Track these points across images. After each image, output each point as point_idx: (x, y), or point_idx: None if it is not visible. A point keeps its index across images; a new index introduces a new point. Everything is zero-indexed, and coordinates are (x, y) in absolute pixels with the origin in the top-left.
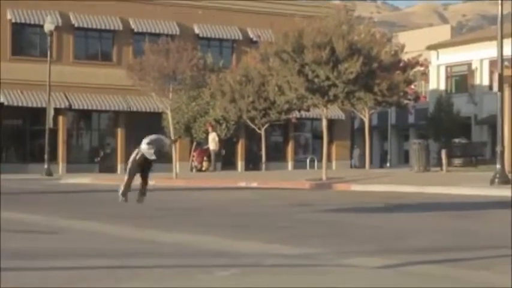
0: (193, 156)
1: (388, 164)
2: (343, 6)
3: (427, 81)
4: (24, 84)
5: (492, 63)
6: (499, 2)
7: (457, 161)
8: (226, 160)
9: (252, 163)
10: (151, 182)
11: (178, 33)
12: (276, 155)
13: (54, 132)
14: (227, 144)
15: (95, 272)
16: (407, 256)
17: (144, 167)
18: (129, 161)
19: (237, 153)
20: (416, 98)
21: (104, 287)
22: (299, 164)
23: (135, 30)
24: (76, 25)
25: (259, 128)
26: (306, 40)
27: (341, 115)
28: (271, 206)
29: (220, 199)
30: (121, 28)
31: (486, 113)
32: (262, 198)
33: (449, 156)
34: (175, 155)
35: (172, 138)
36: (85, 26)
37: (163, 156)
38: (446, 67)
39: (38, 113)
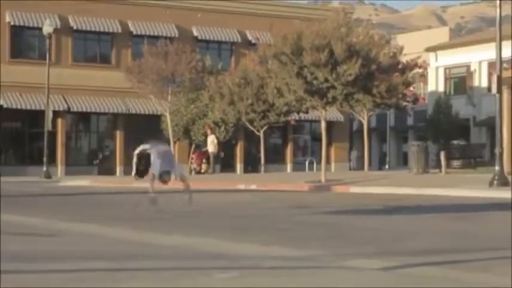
0: (192, 158)
1: (387, 166)
2: (341, 9)
3: (425, 83)
4: (23, 87)
5: (491, 65)
6: (498, 3)
7: (455, 163)
8: (225, 162)
9: (251, 165)
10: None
11: (177, 35)
12: (275, 157)
13: (53, 134)
14: (226, 147)
15: (93, 275)
16: (406, 258)
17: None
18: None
19: (236, 156)
20: (415, 100)
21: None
22: (298, 166)
23: (134, 32)
24: (75, 28)
25: (258, 130)
26: (304, 42)
27: (340, 117)
28: (270, 208)
29: (219, 201)
30: (120, 30)
31: (485, 114)
32: (261, 201)
33: (448, 158)
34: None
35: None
36: (84, 28)
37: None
38: (445, 69)
39: (36, 116)
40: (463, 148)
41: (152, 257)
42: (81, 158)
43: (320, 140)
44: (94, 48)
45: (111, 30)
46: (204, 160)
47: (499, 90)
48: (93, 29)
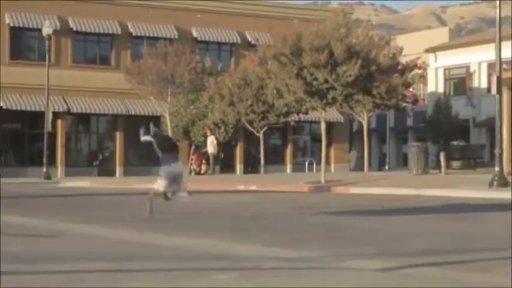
0: (191, 159)
1: (386, 167)
2: (341, 10)
3: (425, 83)
4: (22, 88)
5: (490, 66)
6: (497, 4)
7: (455, 164)
8: (225, 163)
9: (251, 166)
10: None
11: (176, 36)
12: (275, 158)
13: (52, 135)
14: (226, 148)
15: (93, 275)
16: (406, 259)
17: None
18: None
19: (236, 157)
20: (415, 100)
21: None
22: (298, 166)
23: (134, 34)
24: (74, 29)
25: (257, 131)
26: (304, 43)
27: (340, 118)
28: (270, 209)
29: (219, 202)
30: (119, 32)
31: (484, 115)
32: (261, 201)
33: (448, 159)
34: None
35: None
36: (83, 29)
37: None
38: (445, 70)
39: (36, 117)
40: (462, 149)
41: (152, 257)
42: (81, 159)
43: (320, 140)
44: (94, 49)
45: (110, 32)
46: (203, 161)
47: (499, 91)
48: (92, 30)
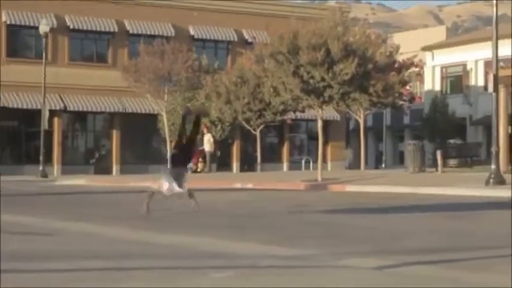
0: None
1: (383, 165)
2: (338, 8)
3: (422, 82)
4: (19, 86)
5: (487, 64)
6: (494, 3)
7: (452, 162)
8: (222, 161)
9: (247, 164)
10: (147, 184)
11: (173, 34)
12: (271, 156)
13: (49, 133)
14: (222, 146)
15: (90, 274)
16: (402, 257)
17: None
18: None
19: (232, 155)
20: (412, 98)
21: (100, 287)
22: (294, 165)
23: (131, 31)
24: (71, 27)
25: (254, 129)
26: (301, 41)
27: (336, 116)
28: (267, 207)
29: (215, 200)
30: (116, 30)
31: (481, 113)
32: (258, 200)
33: (445, 157)
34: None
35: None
36: (80, 27)
37: None
38: (442, 68)
39: (33, 115)
40: (459, 147)
41: (149, 256)
42: (77, 157)
43: (316, 139)
44: (91, 47)
45: (107, 30)
46: (200, 159)
47: (496, 89)
48: (89, 28)
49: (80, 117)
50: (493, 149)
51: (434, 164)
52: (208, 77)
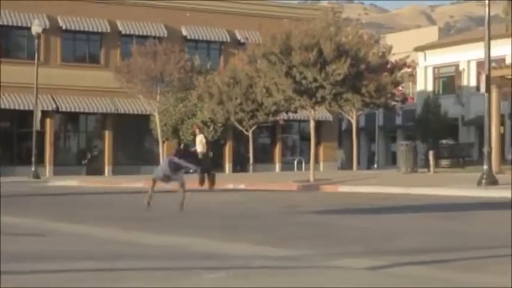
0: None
1: (375, 166)
2: (330, 8)
3: (414, 82)
4: (11, 87)
5: (479, 65)
6: (486, 3)
7: (444, 162)
8: (214, 162)
9: (240, 165)
10: (140, 185)
11: (165, 35)
12: (264, 156)
13: (41, 134)
14: (215, 146)
15: (82, 275)
16: (394, 257)
17: None
18: None
19: (225, 155)
20: (404, 99)
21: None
22: (287, 165)
23: (123, 32)
24: (64, 27)
25: (246, 130)
26: (293, 42)
27: (329, 117)
28: (259, 208)
29: (208, 201)
30: (108, 30)
31: (473, 114)
32: (250, 200)
33: (437, 158)
34: (162, 157)
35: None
36: (72, 28)
37: None
38: (434, 68)
39: (25, 116)
40: (451, 147)
41: (141, 256)
42: (69, 158)
43: (309, 139)
44: (83, 48)
45: (100, 30)
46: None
47: (488, 90)
48: (82, 28)
49: (72, 118)
50: (485, 150)
51: (427, 165)
52: (201, 77)
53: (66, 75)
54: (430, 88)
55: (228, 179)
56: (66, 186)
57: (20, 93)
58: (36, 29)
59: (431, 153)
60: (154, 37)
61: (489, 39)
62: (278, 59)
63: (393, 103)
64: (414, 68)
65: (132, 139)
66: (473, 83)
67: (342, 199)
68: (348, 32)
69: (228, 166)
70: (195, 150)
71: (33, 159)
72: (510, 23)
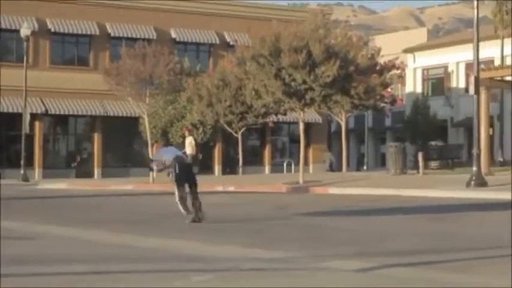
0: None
1: (365, 167)
2: (319, 10)
3: (403, 84)
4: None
5: (468, 66)
6: (475, 5)
7: (433, 164)
8: (203, 164)
9: (229, 167)
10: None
11: (155, 37)
12: (253, 159)
13: (30, 137)
14: (204, 149)
15: (71, 277)
16: (385, 259)
17: None
18: None
19: (214, 157)
20: (393, 101)
21: None
22: (276, 167)
23: (112, 34)
24: (52, 30)
25: (236, 132)
26: (282, 44)
27: (318, 118)
28: (249, 210)
29: None
30: (97, 33)
31: (462, 115)
32: (240, 202)
33: (426, 159)
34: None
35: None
36: (61, 31)
37: None
38: (423, 70)
39: (14, 118)
40: (440, 149)
41: (130, 259)
42: (59, 161)
43: (298, 141)
44: (72, 50)
45: (88, 33)
46: None
47: (477, 91)
48: (70, 31)
49: (61, 121)
50: (474, 151)
51: (416, 166)
52: (190, 79)
53: (55, 78)
54: (419, 90)
55: (217, 181)
56: (55, 189)
57: (8, 96)
58: (24, 31)
59: (420, 155)
60: (144, 39)
61: (478, 40)
62: (267, 61)
63: (382, 105)
64: (403, 70)
65: (122, 141)
66: (462, 84)
67: (332, 201)
68: (337, 34)
69: (217, 168)
70: (184, 152)
71: (22, 162)
72: (499, 24)
